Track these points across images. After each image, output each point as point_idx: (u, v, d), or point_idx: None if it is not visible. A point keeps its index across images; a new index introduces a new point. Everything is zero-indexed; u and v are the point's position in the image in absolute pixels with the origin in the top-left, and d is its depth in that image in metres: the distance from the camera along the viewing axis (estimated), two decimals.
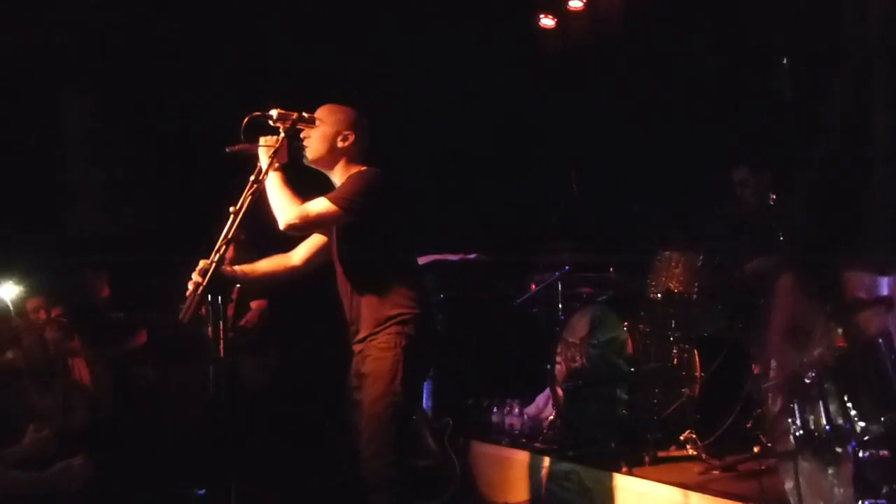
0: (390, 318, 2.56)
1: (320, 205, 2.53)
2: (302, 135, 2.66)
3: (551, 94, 5.40)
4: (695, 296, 3.67)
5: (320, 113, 2.69)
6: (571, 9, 5.25)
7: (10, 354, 3.45)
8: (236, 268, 2.70)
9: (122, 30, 4.62)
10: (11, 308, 3.71)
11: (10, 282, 3.95)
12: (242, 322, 4.60)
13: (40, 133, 4.86)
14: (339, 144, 2.67)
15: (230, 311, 4.56)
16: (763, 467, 3.14)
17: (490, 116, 5.51)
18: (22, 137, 4.76)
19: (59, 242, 4.91)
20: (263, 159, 2.52)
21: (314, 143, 2.68)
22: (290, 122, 2.56)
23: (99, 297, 4.88)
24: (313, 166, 2.73)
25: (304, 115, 2.63)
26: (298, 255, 2.82)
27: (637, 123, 4.94)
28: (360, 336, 2.62)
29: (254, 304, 4.64)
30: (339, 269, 2.71)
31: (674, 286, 3.71)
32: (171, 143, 4.97)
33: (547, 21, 5.35)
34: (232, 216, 2.34)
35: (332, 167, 2.71)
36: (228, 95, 4.13)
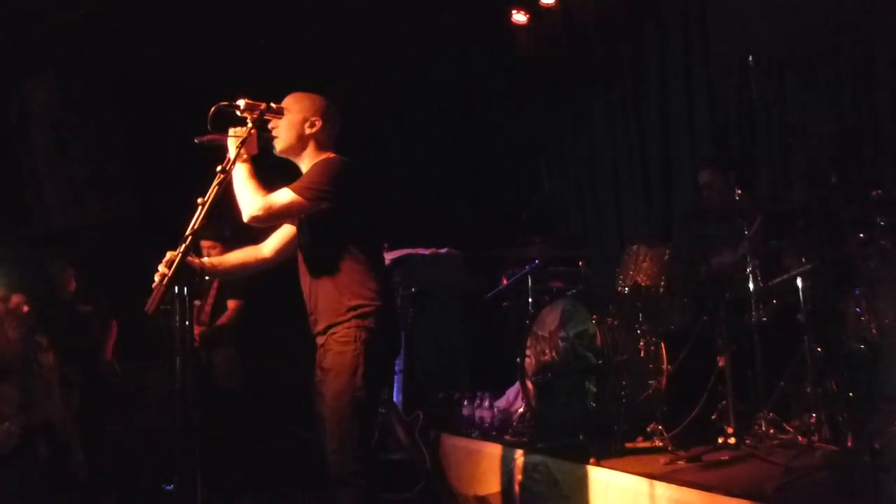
0: (350, 309, 2.50)
1: (284, 196, 2.49)
2: (270, 125, 2.63)
3: (522, 90, 5.39)
4: (662, 289, 3.69)
5: (287, 102, 2.67)
6: (543, 5, 5.15)
7: None
8: (205, 260, 2.65)
9: (89, 19, 4.51)
10: None
11: None
12: (221, 321, 4.58)
13: (6, 124, 4.78)
14: (307, 131, 2.64)
15: (207, 309, 4.59)
16: (726, 458, 3.17)
17: (461, 112, 5.47)
18: None
19: (25, 236, 4.82)
20: (232, 150, 2.50)
21: (282, 133, 2.64)
22: (257, 113, 2.53)
23: (66, 290, 4.81)
24: (283, 156, 2.69)
25: (272, 105, 2.60)
26: (269, 247, 2.78)
27: (605, 121, 5.00)
28: (320, 328, 2.57)
29: (231, 304, 4.64)
30: (300, 259, 2.66)
31: (641, 280, 3.72)
32: (140, 135, 4.89)
33: (519, 17, 5.23)
34: (199, 208, 2.31)
35: (300, 155, 2.67)
36: (199, 86, 4.05)
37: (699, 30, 4.64)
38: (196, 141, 2.53)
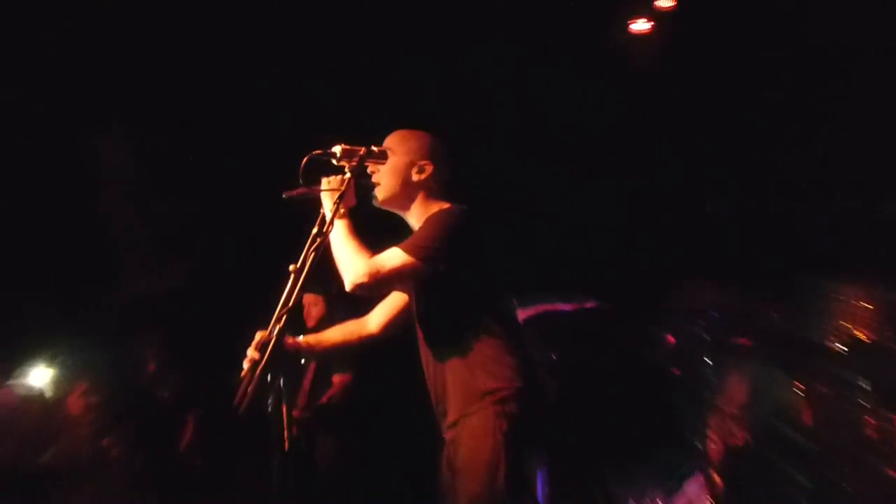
0: (485, 393, 2.47)
1: (394, 257, 2.49)
2: (370, 170, 2.67)
3: (671, 101, 5.28)
4: (893, 344, 3.54)
5: (390, 142, 2.71)
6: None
7: (47, 456, 3.54)
8: (301, 339, 2.71)
9: (159, 78, 4.81)
10: (49, 398, 3.85)
11: (46, 364, 4.12)
12: (325, 399, 4.71)
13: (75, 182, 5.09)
14: (415, 178, 2.67)
15: (306, 387, 4.74)
16: None
17: (605, 125, 5.41)
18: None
19: (98, 310, 5.07)
20: (327, 205, 2.57)
21: (385, 179, 2.67)
22: (357, 159, 2.58)
23: (144, 373, 4.94)
24: (385, 208, 2.73)
25: (374, 148, 2.64)
26: (375, 320, 2.81)
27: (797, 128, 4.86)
28: (450, 420, 2.56)
29: (337, 379, 4.74)
30: (420, 334, 2.66)
31: (860, 332, 3.60)
32: (222, 189, 5.08)
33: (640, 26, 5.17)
34: (293, 277, 2.36)
35: (407, 206, 2.70)
36: (280, 135, 4.23)
37: None
38: (284, 196, 2.60)
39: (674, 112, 5.16)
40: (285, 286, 2.38)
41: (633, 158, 5.30)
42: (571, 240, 5.24)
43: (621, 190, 5.34)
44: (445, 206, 2.65)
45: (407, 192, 2.67)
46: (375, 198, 2.69)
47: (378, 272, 2.46)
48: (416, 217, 2.67)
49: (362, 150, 2.60)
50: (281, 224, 2.84)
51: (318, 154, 2.56)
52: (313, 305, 4.78)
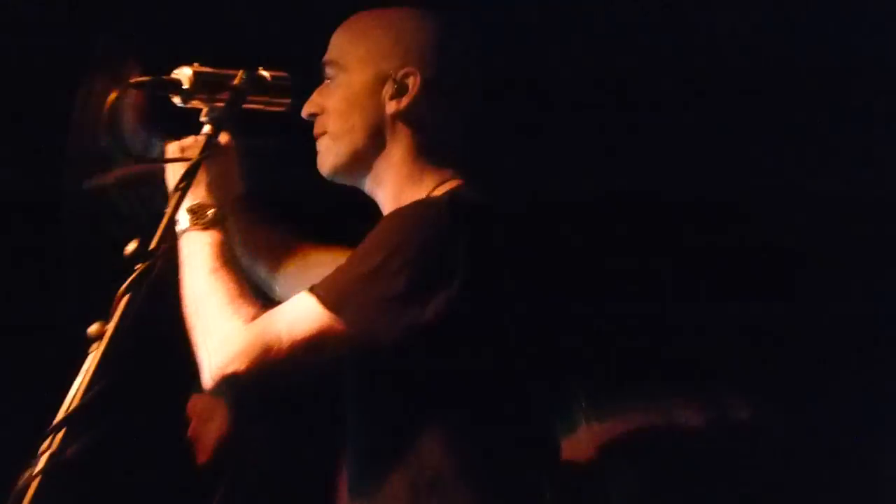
0: None
1: (301, 314, 2.22)
2: (316, 107, 2.56)
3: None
4: None
5: (337, 46, 2.53)
6: None
7: None
8: None
9: None
10: None
11: None
12: None
13: None
14: (389, 107, 2.46)
15: None
16: None
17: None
18: None
19: None
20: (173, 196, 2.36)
21: (334, 122, 2.45)
22: (230, 95, 2.40)
23: None
24: (344, 181, 2.59)
25: (264, 73, 2.48)
26: None
27: None
28: None
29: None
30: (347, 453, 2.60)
31: None
32: None
33: None
34: (96, 350, 2.12)
35: (377, 175, 2.57)
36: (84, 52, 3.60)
37: None
38: (86, 187, 2.56)
39: None
40: (79, 368, 2.11)
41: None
42: (698, 283, 4.67)
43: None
44: (435, 193, 2.43)
45: (376, 140, 2.47)
46: (321, 166, 2.57)
47: (268, 349, 2.18)
48: (391, 198, 2.50)
49: (239, 73, 2.36)
50: (79, 240, 2.95)
51: (146, 82, 2.37)
52: (207, 419, 4.69)
